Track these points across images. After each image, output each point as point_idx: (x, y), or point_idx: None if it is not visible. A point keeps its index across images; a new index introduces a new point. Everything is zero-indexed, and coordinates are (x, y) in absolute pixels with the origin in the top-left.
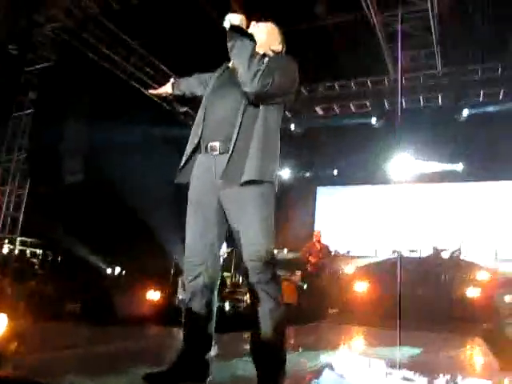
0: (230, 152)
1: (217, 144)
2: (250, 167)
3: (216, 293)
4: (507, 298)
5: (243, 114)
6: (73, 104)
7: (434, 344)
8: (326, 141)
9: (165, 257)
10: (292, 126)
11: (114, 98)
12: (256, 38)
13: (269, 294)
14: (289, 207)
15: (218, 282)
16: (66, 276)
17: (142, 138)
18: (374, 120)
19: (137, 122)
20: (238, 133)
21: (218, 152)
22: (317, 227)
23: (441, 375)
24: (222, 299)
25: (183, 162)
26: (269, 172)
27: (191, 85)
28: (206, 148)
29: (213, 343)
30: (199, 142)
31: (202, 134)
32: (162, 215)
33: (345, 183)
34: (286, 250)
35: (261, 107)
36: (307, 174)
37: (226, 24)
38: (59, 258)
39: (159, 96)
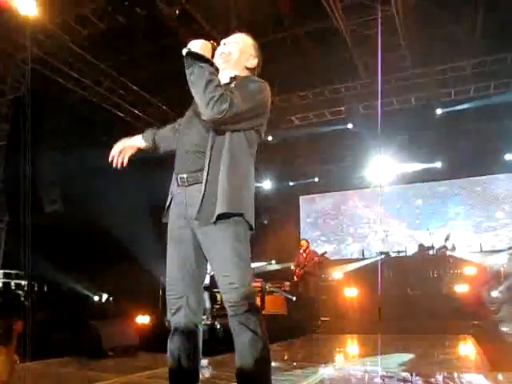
0: (203, 189)
1: (185, 176)
2: (220, 202)
3: (200, 326)
4: (494, 294)
5: (212, 145)
6: (47, 132)
7: (426, 347)
8: (304, 150)
9: (152, 280)
10: (269, 138)
11: (88, 122)
12: (229, 58)
13: (246, 326)
14: (274, 219)
15: (202, 314)
16: (52, 306)
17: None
18: (350, 125)
19: (113, 144)
20: (209, 165)
21: (186, 183)
22: (302, 236)
23: (430, 381)
24: (213, 318)
25: (168, 200)
26: (239, 203)
27: (167, 139)
28: (177, 180)
29: (199, 376)
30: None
31: (175, 166)
32: (146, 238)
33: (327, 190)
34: (274, 262)
35: (226, 135)
36: (289, 184)
37: (184, 51)
38: (45, 289)
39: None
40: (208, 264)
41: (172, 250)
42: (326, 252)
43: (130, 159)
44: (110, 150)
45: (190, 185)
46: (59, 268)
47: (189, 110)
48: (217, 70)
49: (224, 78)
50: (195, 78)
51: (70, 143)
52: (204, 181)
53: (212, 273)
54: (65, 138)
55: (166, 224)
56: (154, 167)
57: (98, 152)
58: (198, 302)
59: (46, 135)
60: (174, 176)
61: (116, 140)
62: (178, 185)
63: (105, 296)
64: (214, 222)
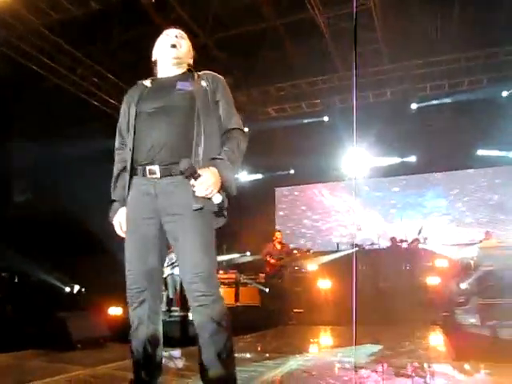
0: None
1: (156, 168)
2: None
3: (161, 316)
4: (463, 286)
5: (198, 140)
6: (18, 120)
7: (394, 339)
8: (280, 141)
9: (123, 270)
10: (246, 129)
11: (62, 111)
12: (181, 53)
13: (211, 317)
14: (249, 210)
15: (161, 305)
16: (23, 297)
17: (94, 151)
18: (326, 118)
19: (88, 134)
20: (194, 159)
21: (157, 176)
22: (277, 227)
23: (400, 372)
24: (186, 309)
25: (119, 192)
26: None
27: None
28: (144, 171)
29: (162, 368)
30: (132, 166)
31: (133, 156)
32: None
33: (302, 182)
34: (248, 253)
35: (209, 125)
36: (264, 176)
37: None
38: (15, 280)
39: None
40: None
41: (133, 242)
42: (309, 250)
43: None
44: (84, 139)
45: (162, 176)
46: (30, 258)
47: (139, 104)
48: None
49: (174, 69)
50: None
51: (42, 132)
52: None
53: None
54: (37, 126)
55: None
56: None
57: (70, 141)
58: (159, 294)
59: (16, 123)
60: (130, 168)
61: (89, 130)
62: (144, 176)
63: (77, 287)
64: (191, 212)
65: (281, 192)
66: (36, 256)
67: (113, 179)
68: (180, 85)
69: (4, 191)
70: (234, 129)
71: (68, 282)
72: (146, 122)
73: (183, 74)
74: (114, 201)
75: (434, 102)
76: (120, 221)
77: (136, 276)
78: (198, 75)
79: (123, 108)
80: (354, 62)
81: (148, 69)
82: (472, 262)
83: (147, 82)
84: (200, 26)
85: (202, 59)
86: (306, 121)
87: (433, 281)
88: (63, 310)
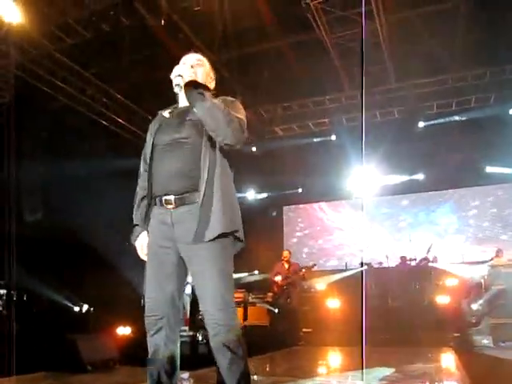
0: (199, 210)
1: (171, 198)
2: (216, 222)
3: (178, 343)
4: (474, 306)
5: (206, 167)
6: (29, 140)
7: (405, 361)
8: (288, 160)
9: (133, 290)
10: (253, 148)
11: (71, 131)
12: (202, 78)
13: (227, 346)
14: (257, 229)
15: (179, 333)
16: (32, 316)
17: (103, 171)
18: (333, 137)
19: (97, 153)
20: (205, 186)
21: (173, 206)
22: (286, 247)
23: None
24: (195, 329)
25: (139, 221)
26: (233, 222)
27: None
28: (161, 201)
29: None
30: (151, 196)
31: (151, 187)
32: (125, 248)
33: (310, 201)
34: (256, 272)
35: (217, 156)
36: (272, 195)
37: (178, 85)
38: (24, 298)
39: None
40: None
41: (152, 270)
42: (314, 264)
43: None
44: (93, 158)
45: (177, 206)
46: (39, 278)
47: (156, 136)
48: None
49: None
50: (210, 108)
51: (52, 152)
52: (200, 202)
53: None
54: (47, 146)
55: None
56: (135, 179)
57: (80, 161)
58: (177, 321)
59: (28, 143)
60: (149, 197)
61: (98, 149)
62: (161, 205)
63: (85, 307)
64: (207, 241)
65: (289, 210)
66: (45, 275)
67: (135, 205)
68: (190, 115)
69: (14, 210)
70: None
71: (77, 301)
72: (161, 155)
73: None
74: (137, 224)
75: (442, 120)
76: (142, 243)
77: (154, 303)
78: None
79: (147, 137)
80: (361, 82)
81: (155, 89)
82: (483, 281)
83: (166, 113)
84: (207, 46)
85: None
86: (313, 140)
87: (443, 300)
88: (72, 330)
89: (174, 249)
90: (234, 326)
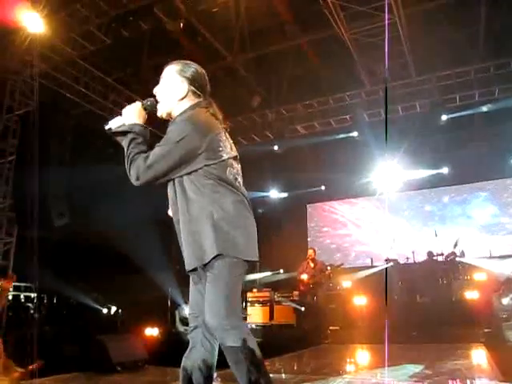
0: (184, 243)
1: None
2: (190, 256)
3: (216, 345)
4: (505, 301)
5: (180, 199)
6: (55, 146)
7: (434, 357)
8: (310, 158)
9: (160, 291)
10: (275, 147)
11: (95, 135)
12: (162, 105)
13: (227, 347)
14: (281, 228)
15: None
16: (62, 318)
17: (125, 174)
18: (355, 133)
19: (122, 158)
20: (183, 220)
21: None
22: (310, 245)
23: None
24: None
25: None
26: (212, 247)
27: None
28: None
29: None
30: None
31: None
32: (151, 250)
33: (333, 198)
34: (282, 271)
35: (185, 185)
36: (295, 193)
37: (106, 127)
38: (54, 301)
39: None
40: None
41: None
42: (342, 264)
43: None
44: (116, 163)
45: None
46: (68, 281)
47: None
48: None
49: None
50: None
51: (77, 157)
52: (183, 235)
53: None
54: (72, 151)
55: (171, 233)
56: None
57: (104, 165)
58: None
59: (53, 149)
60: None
61: (122, 153)
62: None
63: (114, 308)
64: (203, 269)
65: (312, 208)
66: (74, 278)
67: None
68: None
69: (43, 215)
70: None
71: (105, 303)
72: None
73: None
74: None
75: (465, 112)
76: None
77: (192, 302)
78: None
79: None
80: (384, 76)
81: None
82: None
83: None
84: (226, 48)
85: (230, 80)
86: (335, 137)
87: (472, 295)
88: (101, 332)
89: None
90: (230, 326)
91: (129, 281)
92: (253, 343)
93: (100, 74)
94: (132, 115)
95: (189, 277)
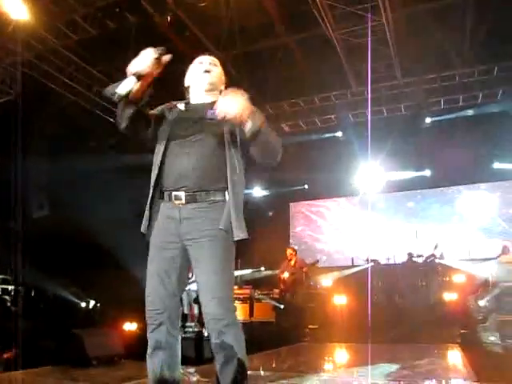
0: (214, 207)
1: (182, 194)
2: (234, 220)
3: (179, 337)
4: (481, 303)
5: (230, 167)
6: (36, 136)
7: (411, 357)
8: (294, 157)
9: (139, 285)
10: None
11: (78, 127)
12: (215, 84)
13: (224, 342)
14: (263, 225)
15: (179, 327)
16: (39, 312)
17: (108, 168)
18: (339, 133)
19: (103, 150)
20: (228, 185)
21: (183, 201)
22: (292, 243)
23: None
24: (201, 325)
25: (145, 211)
26: (242, 221)
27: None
28: (170, 196)
29: None
30: (160, 190)
31: (162, 181)
32: (133, 244)
33: (316, 197)
34: (263, 269)
35: (238, 156)
36: (278, 191)
37: (250, 128)
38: (32, 294)
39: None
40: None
41: (155, 264)
42: (317, 261)
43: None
44: (99, 155)
45: (187, 202)
46: (47, 274)
47: (171, 129)
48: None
49: (207, 96)
50: (267, 139)
51: (59, 148)
52: (217, 200)
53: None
54: (54, 142)
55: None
56: (139, 174)
57: (87, 157)
58: (177, 316)
59: (34, 140)
60: (157, 191)
61: (105, 146)
62: (170, 200)
63: (92, 302)
64: (211, 239)
65: (295, 207)
66: (52, 271)
67: None
68: (210, 113)
69: (22, 207)
70: None
71: (83, 296)
72: (175, 150)
73: (215, 101)
74: None
75: (449, 115)
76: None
77: (155, 298)
78: None
79: (161, 126)
80: (368, 77)
81: (161, 85)
82: (490, 278)
83: (182, 106)
84: (214, 43)
85: (224, 79)
86: (319, 136)
87: (450, 296)
88: (79, 326)
89: (179, 244)
90: (229, 320)
91: (108, 275)
92: (244, 341)
93: (85, 65)
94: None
95: None
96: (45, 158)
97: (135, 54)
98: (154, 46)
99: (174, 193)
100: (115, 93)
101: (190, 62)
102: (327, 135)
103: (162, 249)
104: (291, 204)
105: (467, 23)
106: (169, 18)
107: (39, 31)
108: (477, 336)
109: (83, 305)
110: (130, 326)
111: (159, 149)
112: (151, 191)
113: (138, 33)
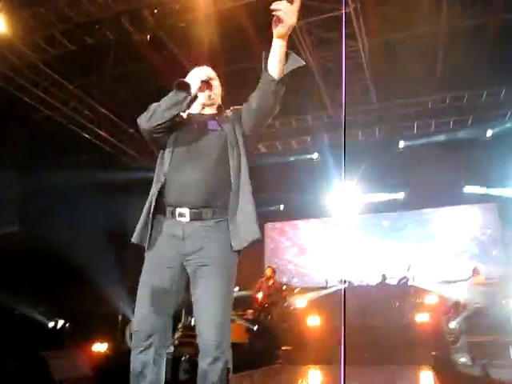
0: (218, 225)
1: (186, 211)
2: (244, 233)
3: (164, 360)
4: (452, 325)
5: (238, 176)
6: (9, 151)
7: (384, 379)
8: (270, 177)
9: (110, 305)
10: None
11: (52, 142)
12: (215, 100)
13: (217, 368)
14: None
15: (166, 349)
16: (3, 332)
17: (83, 184)
18: (315, 155)
19: (77, 166)
20: (233, 200)
21: (187, 219)
22: (266, 263)
23: None
24: (175, 346)
25: (142, 222)
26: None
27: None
28: (173, 213)
29: None
30: (162, 204)
31: (164, 195)
32: (104, 263)
33: (292, 218)
34: (237, 288)
35: (244, 166)
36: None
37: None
38: None
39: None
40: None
41: (151, 283)
42: (298, 288)
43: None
44: (72, 171)
45: (191, 220)
46: (14, 292)
47: (175, 141)
48: None
49: (207, 109)
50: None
51: (32, 163)
52: (223, 218)
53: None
54: (27, 157)
55: (126, 247)
56: (113, 191)
57: (60, 173)
58: (166, 338)
59: (6, 153)
60: (159, 205)
61: (79, 161)
62: (173, 217)
63: (61, 322)
64: (215, 261)
65: (270, 227)
66: (19, 289)
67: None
68: (211, 125)
69: None
70: None
71: (52, 316)
72: (180, 163)
73: (216, 114)
74: None
75: (421, 140)
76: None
77: (147, 318)
78: (227, 114)
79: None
80: (343, 101)
81: (138, 103)
82: (461, 299)
83: (184, 115)
84: (192, 62)
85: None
86: (295, 157)
87: (422, 318)
88: (46, 347)
89: (179, 263)
90: (226, 347)
91: (78, 294)
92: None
93: (61, 80)
94: None
95: None
96: (17, 172)
97: (113, 69)
98: (132, 62)
99: (178, 209)
100: (188, 94)
101: (168, 80)
102: (303, 157)
103: (162, 267)
104: (266, 224)
105: (439, 52)
106: (148, 37)
107: (16, 44)
108: (448, 358)
109: (51, 324)
110: (100, 347)
111: (163, 161)
112: (153, 204)
113: (117, 49)
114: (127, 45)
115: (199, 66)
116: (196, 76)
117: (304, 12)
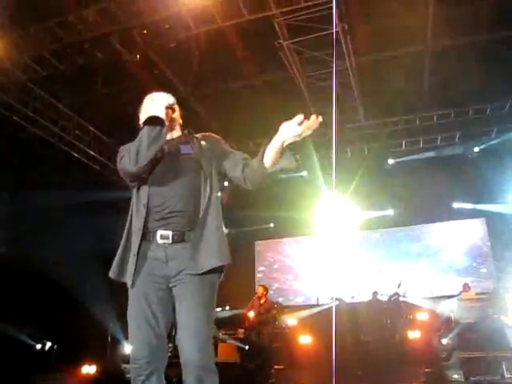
0: (198, 242)
1: (169, 233)
2: (213, 256)
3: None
4: (444, 341)
5: (206, 204)
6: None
7: None
8: (260, 195)
9: (99, 326)
10: (225, 183)
11: (41, 161)
12: (177, 122)
13: None
14: (228, 264)
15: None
16: None
17: (72, 203)
18: (304, 173)
19: (66, 185)
20: (205, 220)
21: (169, 241)
22: (257, 282)
23: None
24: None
25: (120, 255)
26: (226, 257)
27: None
28: (154, 236)
29: None
30: (143, 230)
31: (146, 220)
32: (92, 284)
33: (282, 236)
34: (227, 308)
35: (214, 190)
36: (244, 230)
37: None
38: None
39: None
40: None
41: (141, 309)
42: (287, 307)
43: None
44: (61, 190)
45: (173, 242)
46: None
47: (153, 176)
48: None
49: (172, 133)
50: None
51: (20, 183)
52: (198, 238)
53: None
54: (15, 176)
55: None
56: (103, 211)
57: (48, 193)
58: (165, 358)
59: None
60: (140, 231)
61: (68, 181)
62: (152, 240)
63: (49, 344)
64: (201, 274)
65: (261, 245)
66: (6, 311)
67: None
68: (183, 149)
69: None
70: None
71: (40, 338)
72: (158, 188)
73: (182, 136)
74: None
75: (410, 157)
76: None
77: (144, 346)
78: (197, 137)
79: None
80: (333, 119)
81: (127, 122)
82: (452, 316)
83: None
84: (182, 82)
85: (182, 113)
86: (285, 175)
87: (414, 335)
88: (34, 370)
89: (164, 285)
90: (211, 367)
91: (67, 315)
92: None
93: (50, 99)
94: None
95: None
96: (5, 192)
97: (103, 89)
98: (122, 82)
99: (159, 232)
100: (162, 129)
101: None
102: (292, 174)
103: (149, 291)
104: (257, 242)
105: (426, 70)
106: (138, 56)
107: (6, 64)
108: (441, 374)
109: (39, 347)
110: (89, 369)
111: (140, 193)
112: (140, 233)
113: (107, 69)
114: (117, 64)
115: (187, 86)
116: (160, 104)
117: (292, 31)
